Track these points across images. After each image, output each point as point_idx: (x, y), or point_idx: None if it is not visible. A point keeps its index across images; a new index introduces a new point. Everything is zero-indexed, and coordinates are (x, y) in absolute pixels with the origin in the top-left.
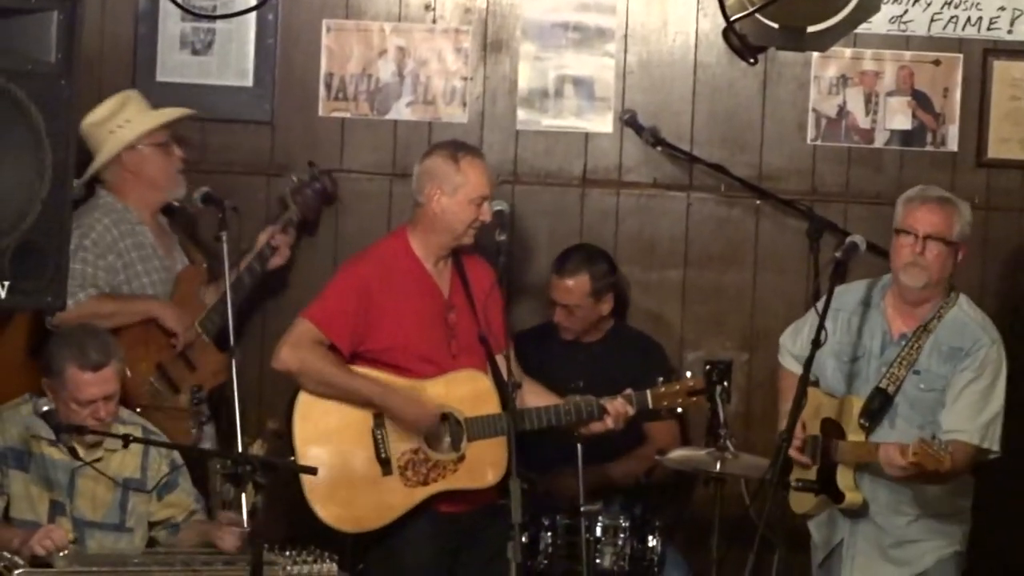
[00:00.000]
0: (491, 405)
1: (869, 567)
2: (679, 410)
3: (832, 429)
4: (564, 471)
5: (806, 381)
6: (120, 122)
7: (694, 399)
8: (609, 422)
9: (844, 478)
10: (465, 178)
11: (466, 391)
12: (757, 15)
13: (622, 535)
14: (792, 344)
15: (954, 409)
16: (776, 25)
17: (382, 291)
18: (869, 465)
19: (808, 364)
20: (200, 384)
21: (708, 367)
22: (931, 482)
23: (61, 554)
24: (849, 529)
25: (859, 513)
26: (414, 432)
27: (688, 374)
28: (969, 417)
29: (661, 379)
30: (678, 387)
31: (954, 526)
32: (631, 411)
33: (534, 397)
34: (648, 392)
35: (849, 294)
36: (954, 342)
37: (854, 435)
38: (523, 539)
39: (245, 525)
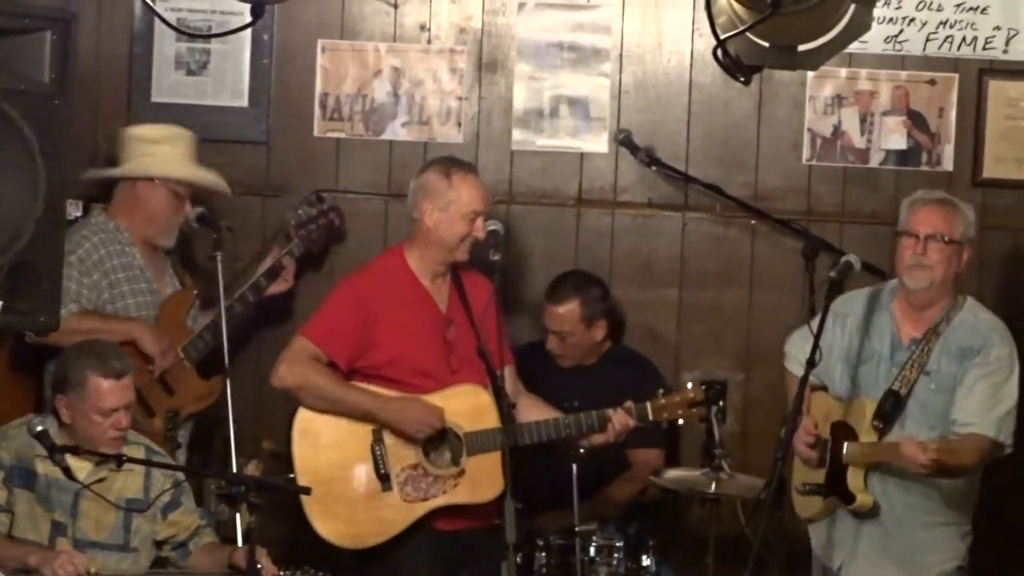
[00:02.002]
0: (491, 419)
1: (872, 572)
2: (680, 422)
3: (843, 432)
4: (554, 510)
5: (801, 399)
6: (158, 151)
7: (694, 411)
8: (611, 435)
9: (855, 480)
10: (458, 193)
11: (465, 405)
12: (748, 34)
13: (617, 555)
14: (799, 351)
15: (967, 404)
16: (767, 44)
17: (380, 306)
18: (880, 466)
19: (803, 383)
20: (177, 409)
21: (704, 387)
22: (948, 475)
23: None
24: (854, 532)
25: (867, 516)
26: (418, 436)
27: (688, 385)
28: (983, 411)
29: (662, 391)
30: (678, 399)
31: (958, 539)
32: (632, 423)
33: (535, 411)
34: (648, 404)
35: (855, 301)
36: (963, 342)
37: (866, 437)
38: (517, 559)
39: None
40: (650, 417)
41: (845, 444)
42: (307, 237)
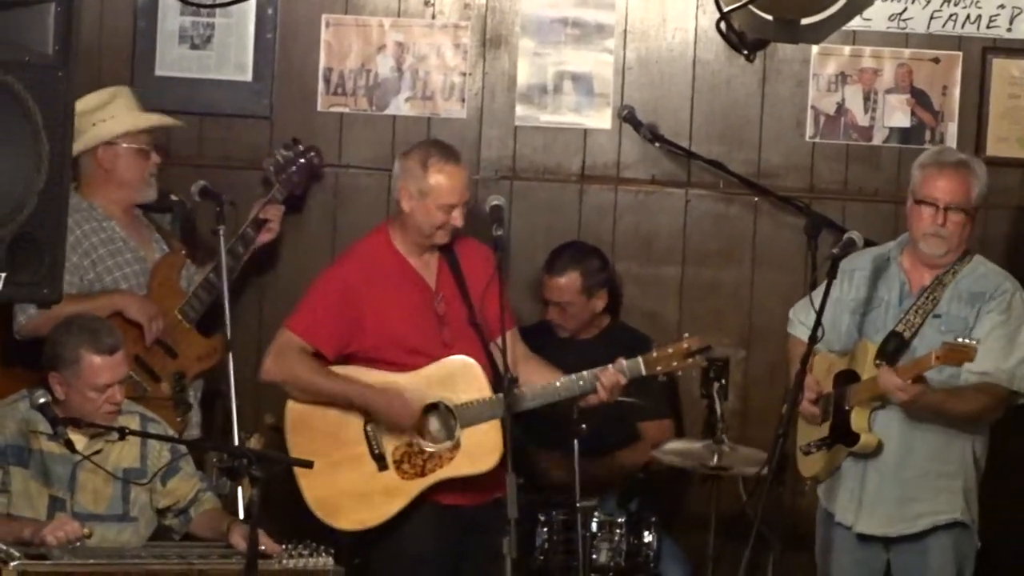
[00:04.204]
0: (483, 390)
1: (869, 519)
2: (679, 373)
3: (846, 379)
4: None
5: (803, 375)
6: (104, 116)
7: (691, 360)
8: (603, 394)
9: (859, 420)
10: (431, 184)
11: (456, 378)
12: (752, 7)
13: (618, 530)
14: (805, 316)
15: (982, 351)
16: (770, 17)
17: (365, 289)
18: (883, 406)
19: (806, 359)
20: (182, 371)
21: (705, 364)
22: (951, 416)
23: (78, 545)
24: (860, 483)
25: (872, 458)
26: (398, 430)
27: (685, 335)
28: (998, 360)
29: (655, 343)
30: (672, 350)
31: (957, 494)
32: (622, 379)
33: (537, 375)
34: (640, 359)
35: (862, 256)
36: (975, 288)
37: (869, 376)
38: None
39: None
40: (643, 371)
41: (848, 388)
42: (288, 180)
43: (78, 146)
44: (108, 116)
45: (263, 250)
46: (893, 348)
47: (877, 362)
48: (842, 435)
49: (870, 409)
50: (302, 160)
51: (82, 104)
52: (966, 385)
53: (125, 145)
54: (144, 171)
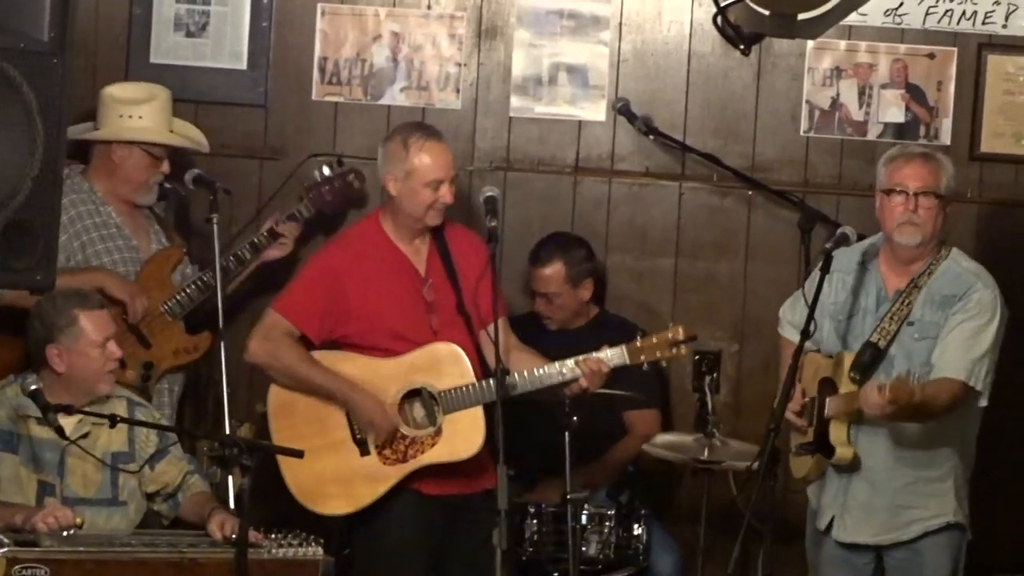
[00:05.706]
0: (467, 376)
1: (857, 528)
2: (664, 363)
3: (828, 387)
4: (549, 481)
5: (795, 371)
6: (134, 113)
7: (676, 350)
8: (583, 382)
9: (837, 432)
10: (414, 163)
11: (440, 364)
12: (748, 1)
13: (608, 523)
14: (792, 315)
15: (943, 346)
16: (766, 11)
17: (352, 275)
18: (863, 418)
19: (798, 353)
20: (152, 362)
21: (697, 357)
22: (917, 419)
23: (66, 533)
24: (844, 490)
25: (851, 471)
26: (371, 431)
27: (671, 324)
28: (957, 354)
29: (641, 333)
30: (656, 339)
31: (948, 496)
32: (605, 367)
33: (525, 366)
34: (623, 347)
35: (846, 256)
36: (946, 290)
37: (845, 389)
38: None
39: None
40: (626, 360)
41: (827, 399)
42: (318, 199)
43: (102, 133)
44: (137, 115)
45: (272, 264)
46: (868, 360)
47: (852, 374)
48: (823, 444)
49: (848, 422)
50: (338, 182)
51: (118, 90)
52: (926, 384)
53: (143, 150)
54: (150, 176)
